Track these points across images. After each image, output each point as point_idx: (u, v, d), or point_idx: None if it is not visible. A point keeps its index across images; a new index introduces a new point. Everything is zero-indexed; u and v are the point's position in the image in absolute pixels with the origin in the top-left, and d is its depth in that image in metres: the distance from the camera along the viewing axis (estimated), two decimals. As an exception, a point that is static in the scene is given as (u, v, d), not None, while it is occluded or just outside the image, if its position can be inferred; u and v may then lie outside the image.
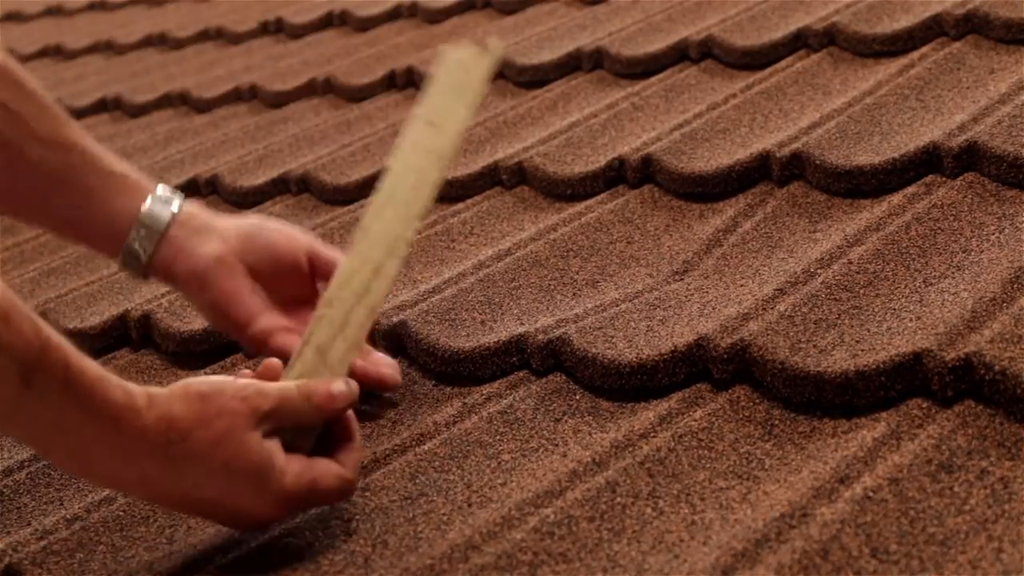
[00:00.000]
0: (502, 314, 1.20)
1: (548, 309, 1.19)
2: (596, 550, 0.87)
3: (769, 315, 1.04)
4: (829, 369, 0.95)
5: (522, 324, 1.16)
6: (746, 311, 1.06)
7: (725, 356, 1.01)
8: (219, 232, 1.17)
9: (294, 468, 0.94)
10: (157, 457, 0.89)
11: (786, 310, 1.04)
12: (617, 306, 1.15)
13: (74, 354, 0.88)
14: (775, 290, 1.09)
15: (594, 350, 1.07)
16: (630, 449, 0.97)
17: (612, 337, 1.09)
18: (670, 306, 1.13)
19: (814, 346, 0.99)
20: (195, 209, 1.19)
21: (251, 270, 1.16)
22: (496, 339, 1.14)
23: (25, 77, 1.13)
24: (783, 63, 1.63)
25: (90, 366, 0.88)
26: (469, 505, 0.95)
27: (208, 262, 1.15)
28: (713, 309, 1.10)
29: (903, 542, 0.80)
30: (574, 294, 1.22)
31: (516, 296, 1.23)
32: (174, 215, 1.16)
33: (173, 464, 0.90)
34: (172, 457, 0.89)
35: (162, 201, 1.16)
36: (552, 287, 1.24)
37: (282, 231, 1.20)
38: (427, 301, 1.24)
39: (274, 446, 0.93)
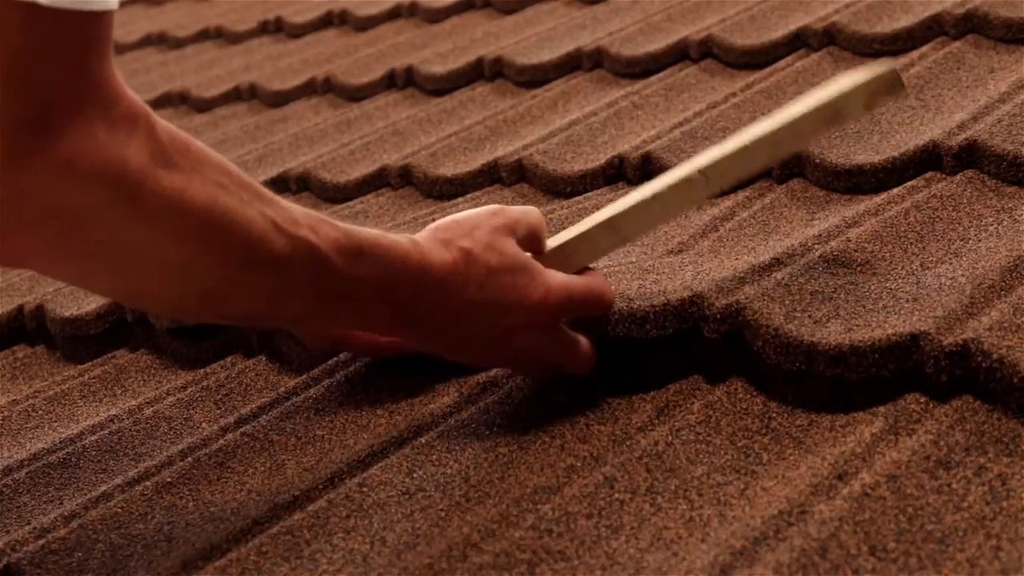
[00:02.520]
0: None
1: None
2: (594, 547, 0.87)
3: (766, 282, 1.04)
4: (823, 340, 0.95)
5: None
6: (742, 275, 1.05)
7: (719, 316, 1.01)
8: None
9: (553, 271, 1.03)
10: (468, 284, 0.99)
11: (783, 278, 1.04)
12: (610, 269, 1.15)
13: (378, 234, 0.97)
14: (772, 259, 1.08)
15: None
16: (627, 443, 0.97)
17: None
18: (663, 272, 1.13)
19: (809, 316, 0.99)
20: None
21: None
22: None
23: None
24: (783, 63, 1.63)
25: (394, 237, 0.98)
26: (467, 501, 0.95)
27: None
28: (707, 274, 1.09)
29: (901, 540, 0.80)
30: None
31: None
32: None
33: (469, 284, 0.99)
34: (470, 277, 0.99)
35: None
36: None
37: None
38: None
39: None
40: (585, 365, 1.05)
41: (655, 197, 1.06)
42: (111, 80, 0.82)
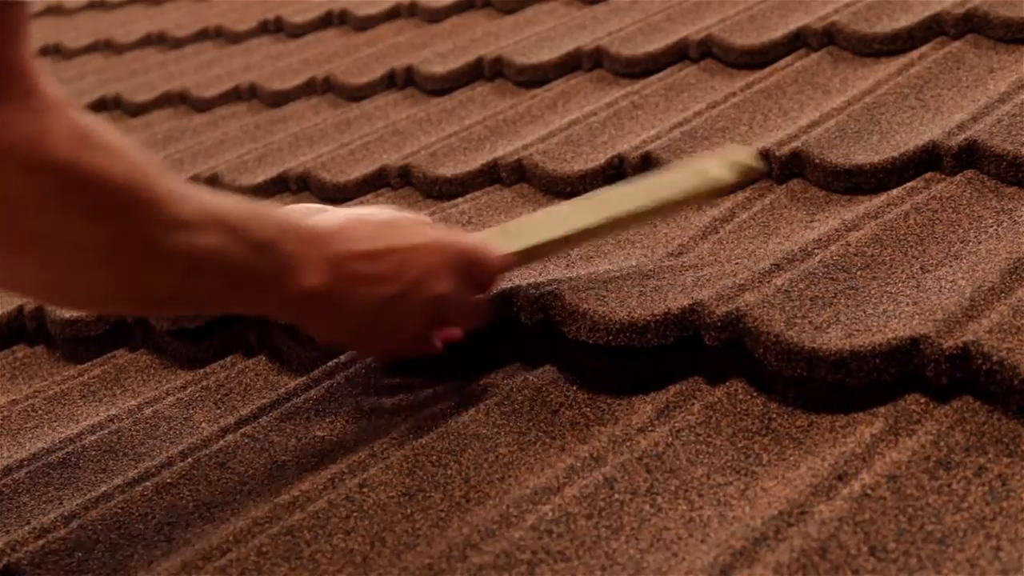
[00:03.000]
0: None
1: (540, 274, 1.20)
2: (594, 548, 0.87)
3: (766, 288, 1.04)
4: (824, 346, 0.95)
5: (511, 283, 1.16)
6: (742, 282, 1.05)
7: (719, 323, 1.01)
8: None
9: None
10: (360, 240, 1.03)
11: (783, 284, 1.04)
12: (611, 274, 1.16)
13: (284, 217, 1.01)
14: (772, 265, 1.08)
15: (585, 305, 1.07)
16: (628, 444, 0.97)
17: (604, 296, 1.09)
18: (664, 277, 1.13)
19: (809, 322, 0.99)
20: None
21: None
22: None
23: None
24: (782, 62, 1.63)
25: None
26: (467, 501, 0.95)
27: None
28: (708, 280, 1.09)
29: (901, 540, 0.80)
30: (567, 265, 1.22)
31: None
32: None
33: (361, 238, 1.04)
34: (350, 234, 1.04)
35: None
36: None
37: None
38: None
39: None
40: (481, 317, 1.11)
41: (552, 211, 1.17)
42: (25, 69, 0.83)
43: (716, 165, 1.14)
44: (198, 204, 0.92)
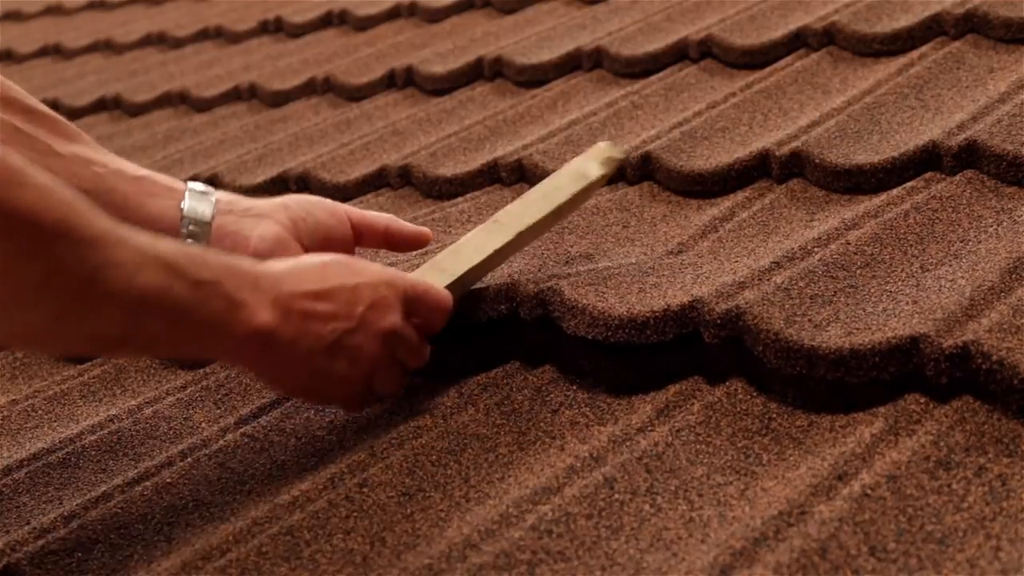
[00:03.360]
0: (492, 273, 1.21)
1: (539, 270, 1.20)
2: (594, 548, 0.87)
3: (765, 286, 1.04)
4: (823, 344, 0.95)
5: (512, 279, 1.16)
6: (742, 280, 1.06)
7: (719, 321, 1.01)
8: (267, 214, 1.19)
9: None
10: (308, 280, 1.02)
11: (782, 282, 1.04)
12: (610, 271, 1.16)
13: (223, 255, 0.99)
14: (772, 263, 1.08)
15: (584, 301, 1.07)
16: (627, 444, 0.98)
17: (604, 293, 1.09)
18: (663, 274, 1.13)
19: (809, 320, 0.99)
20: (231, 196, 1.21)
21: (305, 249, 1.19)
22: (485, 285, 1.15)
23: (29, 98, 1.15)
24: (782, 62, 1.63)
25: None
26: (467, 501, 0.95)
27: (269, 243, 1.17)
28: (707, 278, 1.09)
29: (901, 540, 0.80)
30: (567, 262, 1.22)
31: (508, 262, 1.23)
32: (216, 204, 1.18)
33: (309, 279, 1.03)
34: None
35: (199, 194, 1.19)
36: (545, 255, 1.25)
37: (324, 206, 1.23)
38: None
39: None
40: (424, 358, 1.10)
41: (467, 240, 1.16)
42: None
43: (590, 163, 1.19)
44: (135, 244, 0.90)
